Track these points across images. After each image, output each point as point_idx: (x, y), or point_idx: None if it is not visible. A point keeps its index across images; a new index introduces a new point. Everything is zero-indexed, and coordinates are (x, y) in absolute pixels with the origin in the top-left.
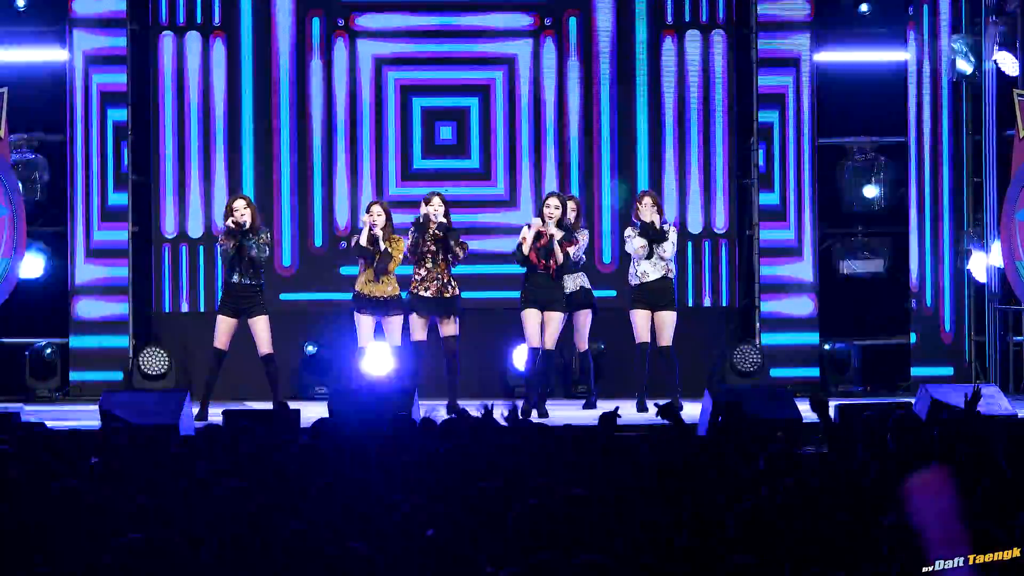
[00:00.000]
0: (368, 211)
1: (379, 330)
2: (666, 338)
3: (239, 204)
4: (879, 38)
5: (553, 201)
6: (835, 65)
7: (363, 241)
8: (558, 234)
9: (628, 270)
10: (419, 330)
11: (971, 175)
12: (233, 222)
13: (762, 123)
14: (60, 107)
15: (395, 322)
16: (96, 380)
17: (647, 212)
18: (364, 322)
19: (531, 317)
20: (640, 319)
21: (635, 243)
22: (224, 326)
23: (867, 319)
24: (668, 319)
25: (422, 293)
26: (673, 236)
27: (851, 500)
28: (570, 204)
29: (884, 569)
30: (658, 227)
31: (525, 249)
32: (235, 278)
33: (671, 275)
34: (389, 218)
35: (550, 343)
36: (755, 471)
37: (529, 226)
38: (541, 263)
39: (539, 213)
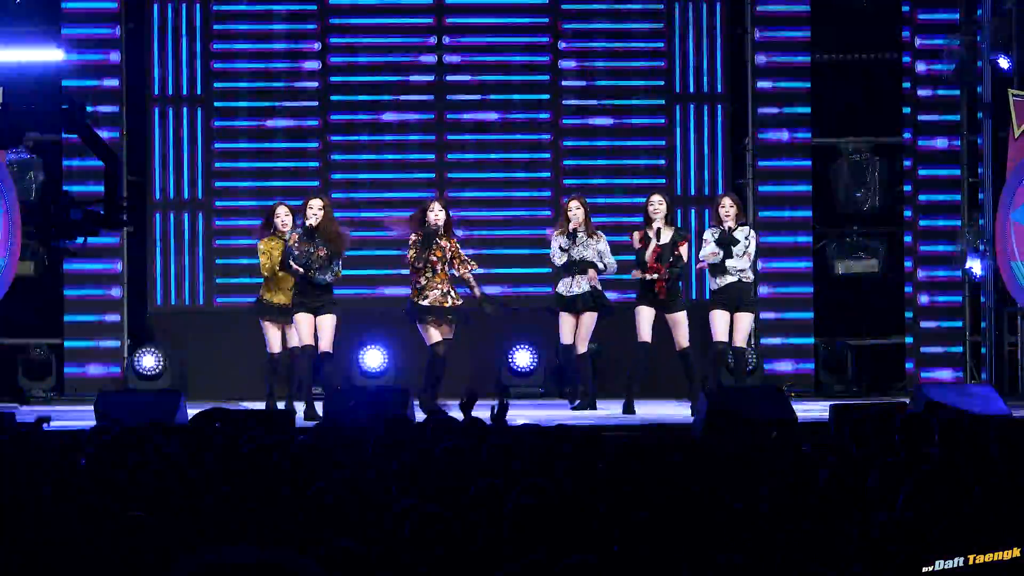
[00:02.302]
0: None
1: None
2: (740, 338)
3: (315, 204)
4: (873, 38)
5: (656, 198)
6: (831, 64)
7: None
8: (666, 235)
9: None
10: (434, 335)
11: (966, 175)
12: (306, 231)
13: (759, 123)
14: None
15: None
16: (91, 381)
17: (725, 217)
18: (270, 328)
19: (644, 315)
20: (719, 320)
21: (706, 249)
22: (306, 323)
23: (862, 319)
24: (745, 319)
25: (420, 302)
26: (750, 245)
27: (849, 499)
28: (575, 203)
29: (884, 569)
30: (732, 234)
31: (650, 259)
32: (301, 275)
33: (747, 279)
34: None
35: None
36: (750, 471)
37: (640, 237)
38: (655, 265)
39: (647, 216)
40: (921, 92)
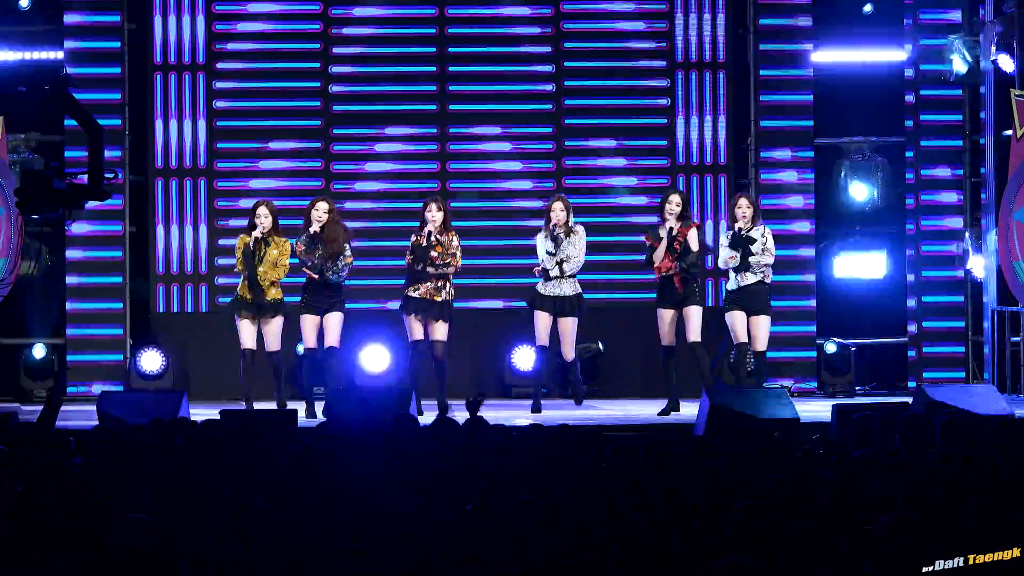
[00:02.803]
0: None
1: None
2: (760, 342)
3: (321, 207)
4: (877, 38)
5: (675, 198)
6: (833, 65)
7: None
8: (676, 228)
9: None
10: (416, 330)
11: (969, 175)
12: (309, 239)
13: (760, 122)
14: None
15: (273, 327)
16: (93, 380)
17: (740, 217)
18: (242, 324)
19: (665, 318)
20: (737, 320)
21: (723, 255)
22: (311, 324)
23: (865, 319)
24: (762, 323)
25: (411, 293)
26: (767, 242)
27: (851, 499)
28: (558, 204)
29: (884, 569)
30: (747, 234)
31: (658, 257)
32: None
33: (768, 280)
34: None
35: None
36: (752, 470)
37: (657, 236)
38: (667, 264)
39: (662, 215)
40: (924, 92)
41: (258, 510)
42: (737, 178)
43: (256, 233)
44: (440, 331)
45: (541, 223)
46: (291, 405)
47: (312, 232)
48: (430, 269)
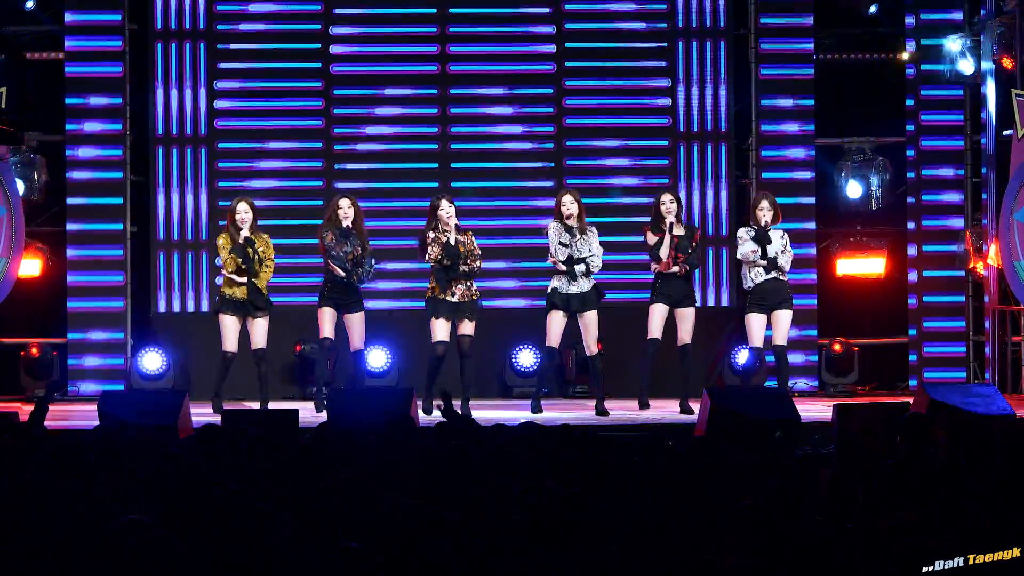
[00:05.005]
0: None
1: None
2: (781, 335)
3: (344, 203)
4: (879, 38)
5: (667, 196)
6: (835, 65)
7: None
8: (680, 231)
9: (741, 273)
10: (442, 332)
11: (970, 175)
12: (341, 232)
13: (761, 122)
14: (58, 107)
15: (260, 325)
16: (94, 380)
17: (763, 216)
18: (228, 324)
19: (658, 311)
20: (756, 323)
21: (745, 248)
22: (329, 316)
23: (866, 319)
24: (783, 317)
25: (448, 298)
26: (787, 243)
27: (852, 499)
28: (568, 197)
29: (884, 569)
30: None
31: (663, 254)
32: (340, 277)
33: (784, 276)
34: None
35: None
36: (752, 470)
37: (657, 235)
38: (674, 256)
39: (657, 215)
40: (924, 92)
41: (258, 510)
42: (738, 179)
43: (245, 232)
44: (469, 327)
45: (544, 221)
46: (293, 405)
47: (346, 227)
48: (464, 268)
